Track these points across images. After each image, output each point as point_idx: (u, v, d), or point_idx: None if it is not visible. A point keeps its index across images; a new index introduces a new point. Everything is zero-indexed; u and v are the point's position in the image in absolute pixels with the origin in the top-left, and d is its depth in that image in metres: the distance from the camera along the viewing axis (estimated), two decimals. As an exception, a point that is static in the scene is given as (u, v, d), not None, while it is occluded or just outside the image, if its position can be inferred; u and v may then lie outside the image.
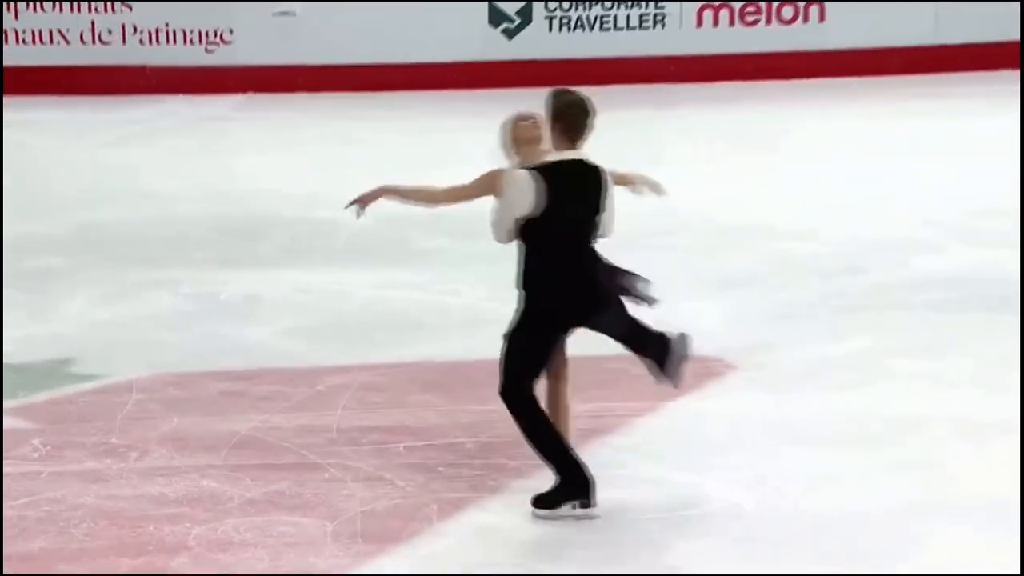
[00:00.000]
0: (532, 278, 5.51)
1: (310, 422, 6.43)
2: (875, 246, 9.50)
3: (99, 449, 6.17)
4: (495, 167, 5.67)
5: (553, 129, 5.57)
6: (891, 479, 5.75)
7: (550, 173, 5.49)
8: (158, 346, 7.73)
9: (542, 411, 5.51)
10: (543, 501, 5.45)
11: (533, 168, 5.51)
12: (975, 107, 14.67)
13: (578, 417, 5.72)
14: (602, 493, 5.47)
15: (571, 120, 5.54)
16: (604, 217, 5.54)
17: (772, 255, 9.22)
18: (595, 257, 5.56)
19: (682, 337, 5.61)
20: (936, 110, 14.54)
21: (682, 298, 8.00)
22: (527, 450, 6.00)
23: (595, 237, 5.54)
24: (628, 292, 5.71)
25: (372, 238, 10.08)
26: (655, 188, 5.95)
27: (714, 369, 7.03)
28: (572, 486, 5.41)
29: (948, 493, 5.62)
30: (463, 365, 7.08)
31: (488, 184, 5.60)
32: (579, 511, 5.41)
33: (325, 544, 5.25)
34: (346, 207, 5.82)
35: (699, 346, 6.43)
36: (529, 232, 5.49)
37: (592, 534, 5.37)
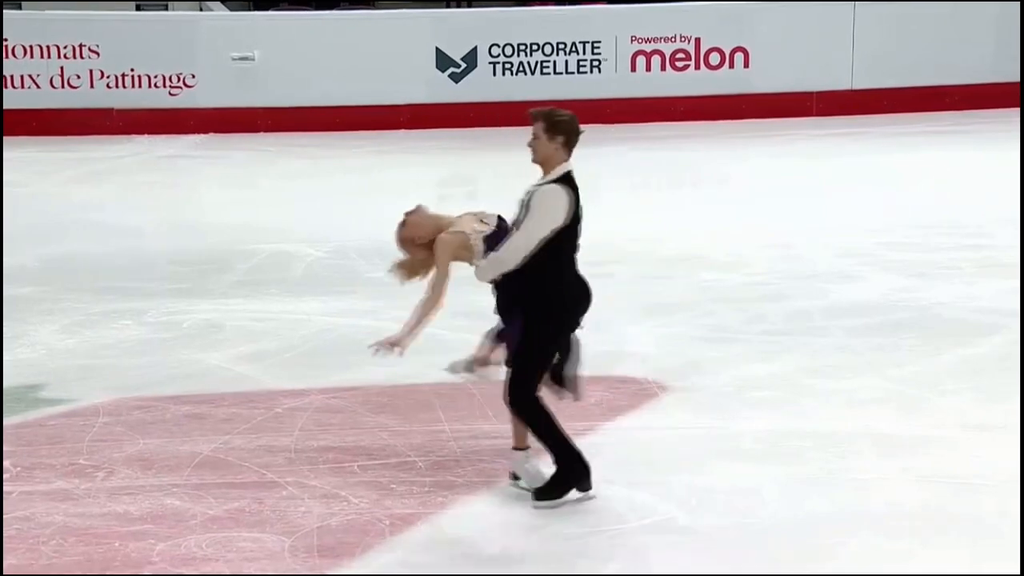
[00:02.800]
0: (554, 291, 5.54)
1: (269, 443, 6.40)
2: (795, 276, 9.58)
3: (67, 470, 6.10)
4: (442, 236, 5.70)
5: (553, 142, 5.61)
6: (810, 490, 5.80)
7: (573, 183, 5.60)
8: (123, 372, 7.66)
9: (547, 409, 5.62)
10: (546, 493, 5.59)
11: (557, 181, 5.54)
12: (888, 146, 14.88)
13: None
14: (548, 509, 5.52)
15: (572, 134, 5.66)
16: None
17: (701, 284, 9.28)
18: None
19: (576, 345, 5.70)
20: (852, 150, 14.73)
21: (618, 323, 8.04)
22: (474, 468, 6.02)
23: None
24: None
25: (326, 269, 10.07)
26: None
27: (648, 390, 7.06)
28: (573, 474, 5.58)
29: (863, 503, 5.67)
30: (413, 388, 7.07)
31: (448, 251, 5.67)
32: (579, 495, 5.61)
33: (283, 558, 5.22)
34: (374, 353, 5.84)
35: (634, 369, 6.49)
36: (555, 246, 5.51)
37: (537, 546, 5.38)
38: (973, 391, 7.02)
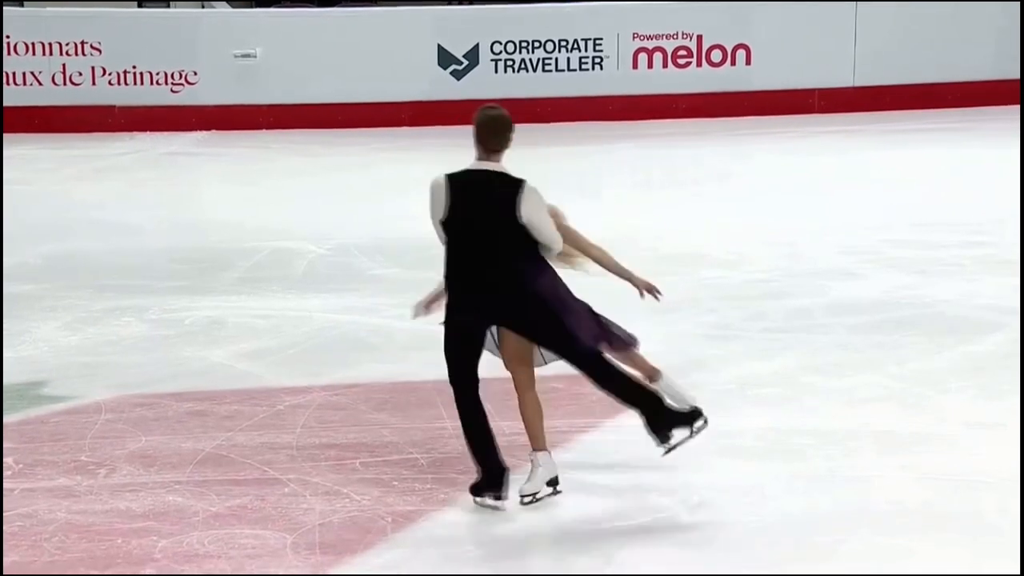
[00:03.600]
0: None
1: (271, 440, 6.40)
2: (797, 273, 9.58)
3: (69, 467, 6.11)
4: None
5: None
6: (811, 488, 5.80)
7: (459, 177, 5.56)
8: (125, 369, 7.66)
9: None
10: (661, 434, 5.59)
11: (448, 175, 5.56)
12: (890, 143, 14.87)
13: (523, 433, 5.73)
14: (549, 505, 5.51)
15: (478, 134, 5.56)
16: (534, 231, 5.52)
17: (702, 281, 9.27)
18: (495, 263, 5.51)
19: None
20: (854, 147, 14.72)
21: (621, 321, 8.03)
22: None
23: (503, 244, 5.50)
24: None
25: (327, 266, 10.07)
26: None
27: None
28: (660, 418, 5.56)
29: (864, 501, 5.67)
30: (415, 385, 7.08)
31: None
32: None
33: (285, 555, 5.22)
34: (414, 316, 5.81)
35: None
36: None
37: (538, 543, 5.38)
38: (975, 389, 7.02)
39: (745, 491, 5.76)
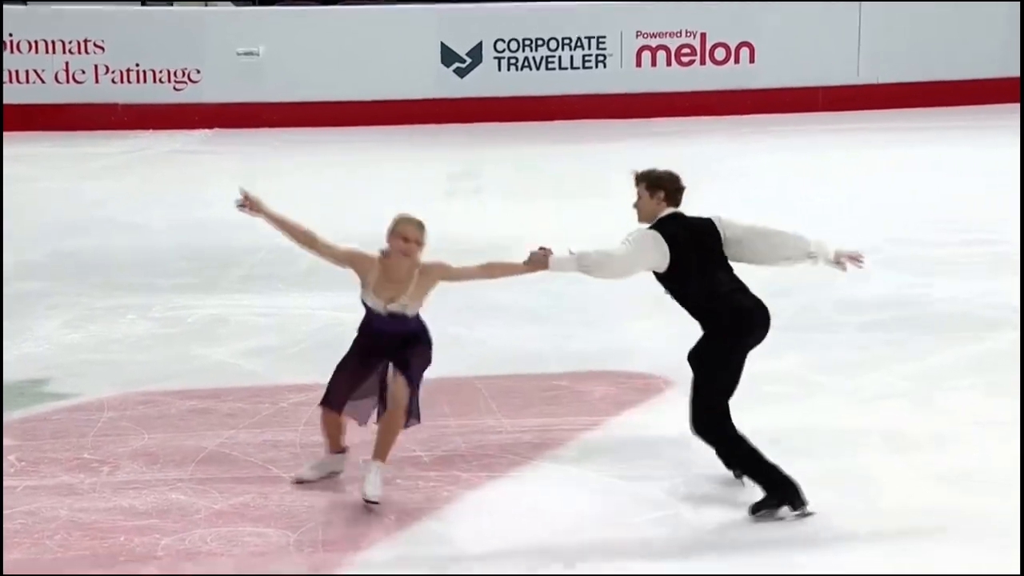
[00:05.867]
0: (718, 309, 5.81)
1: (273, 437, 6.37)
2: (804, 271, 9.52)
3: (72, 464, 6.08)
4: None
5: (655, 197, 5.96)
6: (819, 486, 5.75)
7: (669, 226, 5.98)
8: (128, 366, 7.64)
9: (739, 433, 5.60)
10: (759, 508, 5.50)
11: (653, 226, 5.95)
12: (895, 141, 14.82)
13: (526, 431, 5.70)
14: (553, 503, 5.47)
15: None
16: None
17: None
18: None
19: None
20: (858, 144, 14.67)
21: (626, 319, 8.01)
22: (479, 463, 5.98)
23: None
24: None
25: (330, 264, 10.02)
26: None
27: (655, 385, 7.02)
28: (781, 493, 5.48)
29: (872, 499, 5.63)
30: (418, 383, 7.03)
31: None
32: (796, 512, 5.47)
33: (288, 553, 5.19)
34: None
35: (640, 364, 6.45)
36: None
37: (541, 541, 5.34)
38: (984, 386, 6.98)
39: (751, 489, 5.71)
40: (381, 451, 5.62)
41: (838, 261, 5.91)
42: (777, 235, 5.99)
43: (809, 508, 5.47)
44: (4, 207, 10.87)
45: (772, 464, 5.55)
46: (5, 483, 5.81)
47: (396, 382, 5.63)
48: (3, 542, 5.23)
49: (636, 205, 5.92)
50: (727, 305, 5.71)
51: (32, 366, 7.56)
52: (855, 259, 5.93)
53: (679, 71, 16.48)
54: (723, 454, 5.69)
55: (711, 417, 5.60)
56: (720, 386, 5.66)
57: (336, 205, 12.13)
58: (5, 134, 14.66)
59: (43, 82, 16.15)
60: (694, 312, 5.77)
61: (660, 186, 5.88)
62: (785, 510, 5.48)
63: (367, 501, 5.54)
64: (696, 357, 5.72)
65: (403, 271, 5.67)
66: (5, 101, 15.64)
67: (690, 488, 5.75)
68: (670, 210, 5.85)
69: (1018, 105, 15.33)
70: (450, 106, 16.09)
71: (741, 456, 5.59)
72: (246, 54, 16.24)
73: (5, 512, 5.50)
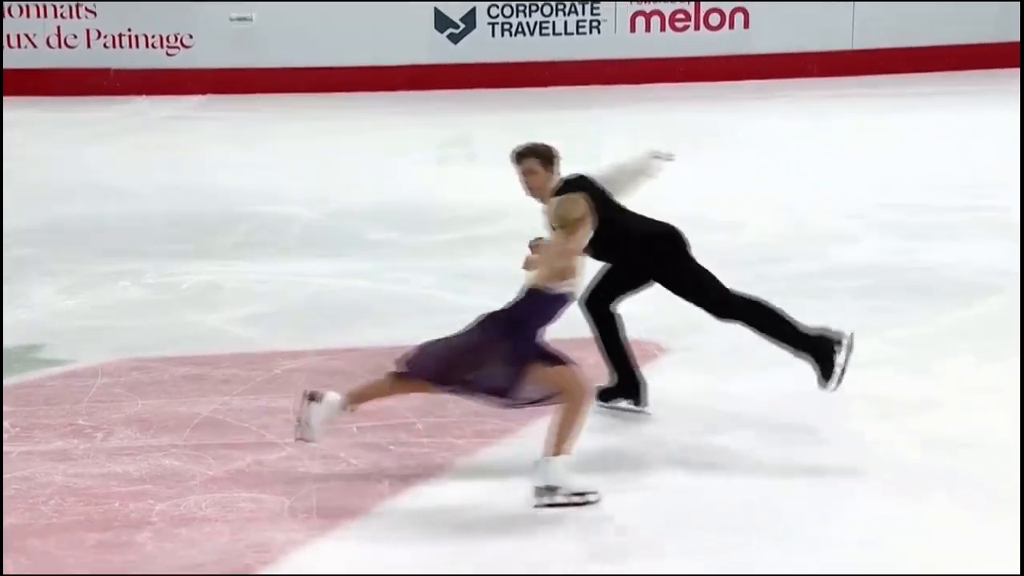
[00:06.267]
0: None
1: (268, 404, 6.38)
2: (796, 237, 9.55)
3: (66, 430, 6.09)
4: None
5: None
6: (810, 451, 5.79)
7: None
8: (122, 333, 7.65)
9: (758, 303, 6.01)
10: (827, 376, 5.92)
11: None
12: (888, 107, 14.82)
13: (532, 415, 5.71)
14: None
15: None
16: None
17: (701, 246, 9.20)
18: None
19: None
20: (852, 111, 14.66)
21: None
22: (473, 429, 6.00)
23: None
24: None
25: (326, 231, 10.03)
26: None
27: (648, 351, 7.03)
28: (823, 353, 5.95)
29: (862, 464, 5.65)
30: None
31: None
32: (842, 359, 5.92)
33: (283, 519, 5.21)
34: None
35: (633, 330, 6.46)
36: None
37: (533, 507, 5.36)
38: (974, 352, 7.00)
39: (744, 454, 5.75)
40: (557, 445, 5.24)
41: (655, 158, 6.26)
42: (623, 165, 6.26)
43: (847, 340, 5.93)
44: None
45: (801, 331, 5.98)
46: (-1, 449, 5.83)
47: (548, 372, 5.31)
48: (1, 507, 5.24)
49: (531, 184, 5.79)
50: (655, 232, 6.17)
51: (26, 332, 7.57)
52: (664, 156, 6.30)
53: (673, 36, 16.45)
54: (756, 324, 6.05)
55: (723, 298, 6.10)
56: (706, 285, 6.12)
57: (328, 172, 12.13)
58: (-4, 99, 14.62)
59: (35, 47, 16.10)
60: (630, 257, 6.07)
61: (550, 157, 5.82)
62: (840, 359, 5.90)
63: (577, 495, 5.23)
64: (674, 289, 6.16)
65: None
66: (-3, 66, 15.59)
67: (684, 454, 5.77)
68: (557, 176, 5.85)
69: (1013, 70, 15.32)
70: (443, 72, 16.06)
71: (773, 324, 6.01)
72: (239, 19, 16.18)
73: None
